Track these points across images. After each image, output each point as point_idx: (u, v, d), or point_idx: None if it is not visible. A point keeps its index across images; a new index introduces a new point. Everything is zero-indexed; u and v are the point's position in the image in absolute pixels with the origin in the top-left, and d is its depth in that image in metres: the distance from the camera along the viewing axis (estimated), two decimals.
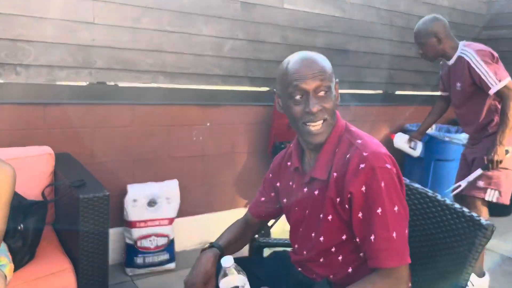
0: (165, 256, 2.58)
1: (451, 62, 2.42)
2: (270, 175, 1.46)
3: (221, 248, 1.37)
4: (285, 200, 1.39)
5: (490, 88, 2.25)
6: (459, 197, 2.46)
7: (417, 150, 2.92)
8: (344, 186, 1.16)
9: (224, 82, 2.92)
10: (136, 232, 2.50)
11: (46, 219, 1.84)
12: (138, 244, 2.50)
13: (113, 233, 2.59)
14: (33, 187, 1.95)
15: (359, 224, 1.15)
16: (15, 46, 2.21)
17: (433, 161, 3.51)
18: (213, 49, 2.82)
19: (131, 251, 2.51)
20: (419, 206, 1.39)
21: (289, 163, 1.38)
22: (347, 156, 1.18)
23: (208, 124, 2.87)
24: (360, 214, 1.14)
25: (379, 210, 1.11)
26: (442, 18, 2.44)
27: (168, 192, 2.59)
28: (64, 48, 2.35)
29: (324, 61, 1.22)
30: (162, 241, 2.55)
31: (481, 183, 2.39)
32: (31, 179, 1.95)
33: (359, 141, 1.20)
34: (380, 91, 3.78)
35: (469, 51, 2.32)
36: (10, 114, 2.23)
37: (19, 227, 1.70)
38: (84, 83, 2.43)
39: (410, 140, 2.92)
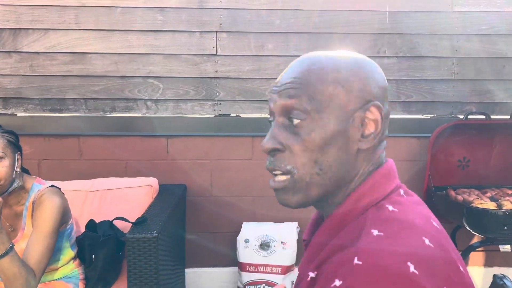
0: None
1: None
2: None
3: None
4: None
5: None
6: None
7: None
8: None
9: None
10: (246, 277, 2.28)
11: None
12: None
13: (229, 272, 2.46)
14: (131, 217, 2.00)
15: None
16: (146, 83, 2.39)
17: None
18: None
19: None
20: None
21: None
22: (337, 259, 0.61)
23: None
24: None
25: None
26: None
27: (285, 235, 2.28)
28: (189, 82, 2.40)
29: (323, 62, 0.68)
30: None
31: None
32: (130, 209, 2.00)
33: (374, 232, 0.60)
34: None
35: None
36: (137, 145, 2.39)
37: (92, 258, 1.75)
38: (207, 115, 2.42)
39: None
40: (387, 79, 0.73)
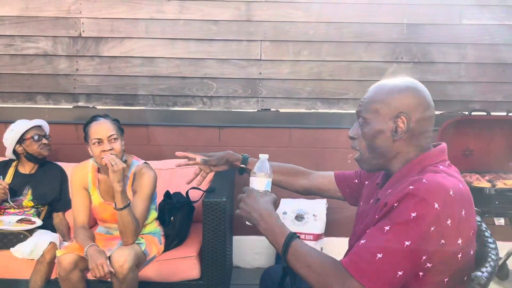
0: None
1: None
2: (365, 174, 1.46)
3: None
4: (361, 203, 1.36)
5: None
6: None
7: None
8: (384, 199, 1.09)
9: None
10: None
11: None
12: None
13: None
14: (195, 191, 2.50)
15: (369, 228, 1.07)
16: (202, 82, 2.89)
17: None
18: (373, 74, 2.85)
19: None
20: None
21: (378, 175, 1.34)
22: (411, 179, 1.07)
23: None
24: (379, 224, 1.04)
25: (387, 228, 1.00)
26: None
27: (316, 209, 2.76)
28: (237, 82, 2.89)
29: (379, 90, 1.17)
30: None
31: None
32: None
33: (432, 174, 1.06)
34: None
35: None
36: (195, 134, 2.90)
37: (171, 219, 2.27)
38: (251, 110, 2.91)
39: None
40: None
